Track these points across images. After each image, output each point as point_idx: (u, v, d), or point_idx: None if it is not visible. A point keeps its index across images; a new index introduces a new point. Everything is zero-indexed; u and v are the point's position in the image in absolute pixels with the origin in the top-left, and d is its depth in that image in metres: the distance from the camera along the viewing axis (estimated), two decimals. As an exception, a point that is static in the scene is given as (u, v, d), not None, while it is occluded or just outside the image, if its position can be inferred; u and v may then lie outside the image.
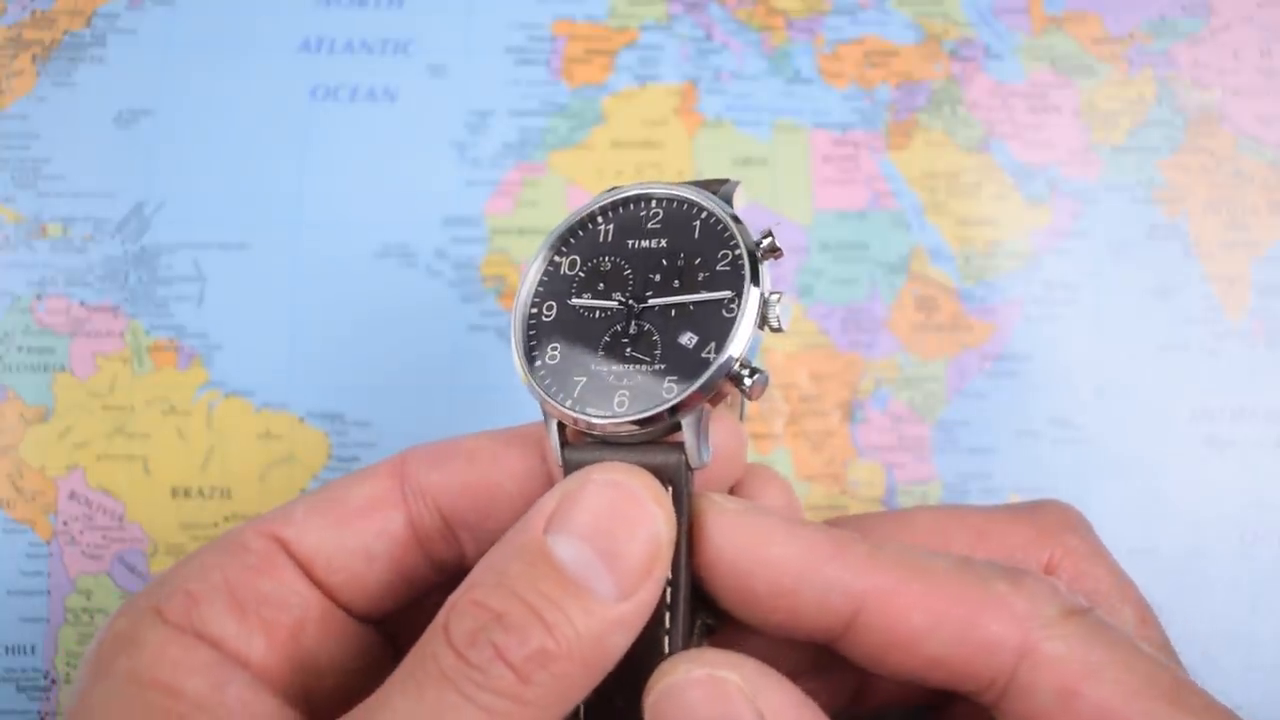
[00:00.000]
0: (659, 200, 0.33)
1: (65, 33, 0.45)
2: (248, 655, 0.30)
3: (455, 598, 0.28)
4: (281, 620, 0.30)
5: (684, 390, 0.30)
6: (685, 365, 0.30)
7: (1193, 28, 0.46)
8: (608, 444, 0.31)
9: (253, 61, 0.45)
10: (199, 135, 0.45)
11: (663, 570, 0.29)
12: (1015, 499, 0.43)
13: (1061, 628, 0.29)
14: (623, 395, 0.31)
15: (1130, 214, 0.45)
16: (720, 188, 0.33)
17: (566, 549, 0.28)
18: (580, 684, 0.27)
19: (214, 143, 0.45)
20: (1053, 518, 0.35)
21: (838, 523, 0.37)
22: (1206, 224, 0.45)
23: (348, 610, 0.32)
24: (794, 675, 0.32)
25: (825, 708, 0.34)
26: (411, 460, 0.33)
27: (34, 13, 0.46)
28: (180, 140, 0.45)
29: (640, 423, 0.30)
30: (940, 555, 0.30)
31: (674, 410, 0.30)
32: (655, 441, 0.30)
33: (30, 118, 0.45)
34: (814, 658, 0.33)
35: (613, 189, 0.34)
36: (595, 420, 0.30)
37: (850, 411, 0.44)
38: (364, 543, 0.32)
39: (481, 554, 0.32)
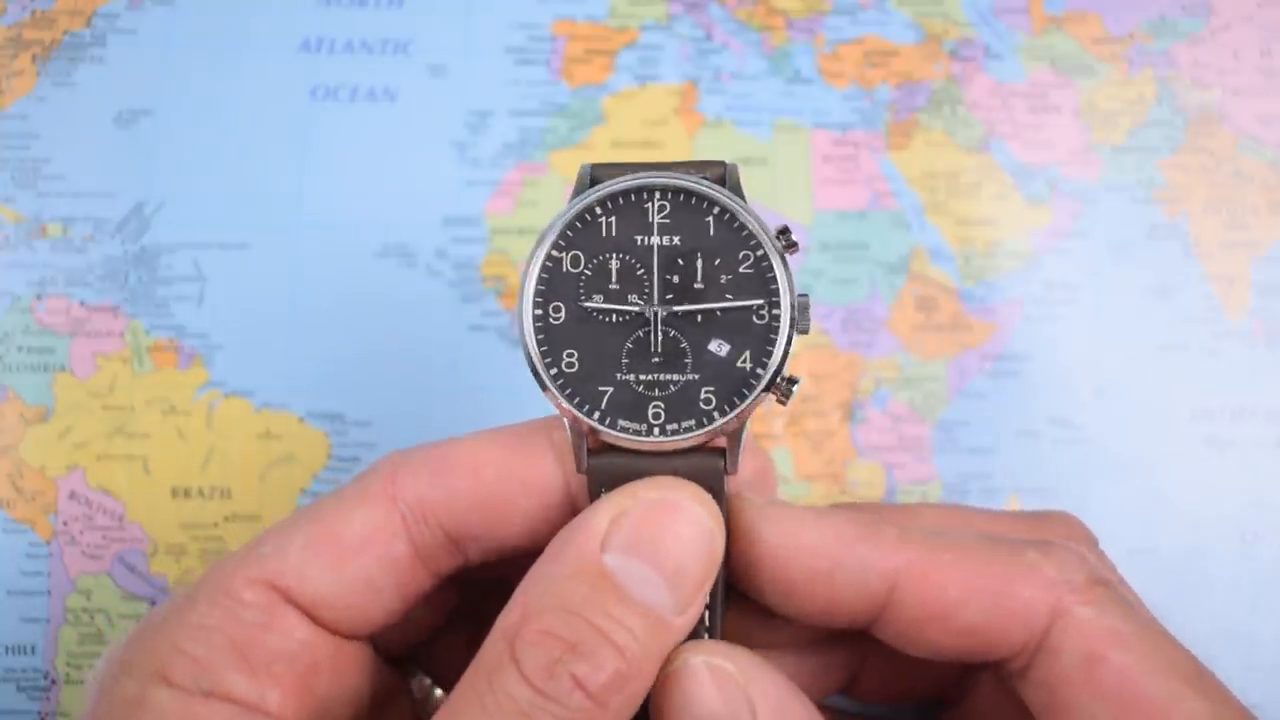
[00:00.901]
0: (664, 192, 0.31)
1: (65, 33, 0.45)
2: (265, 708, 0.29)
3: (514, 626, 0.27)
4: (292, 670, 0.30)
5: (734, 408, 0.30)
6: (721, 376, 0.30)
7: (1193, 28, 0.46)
8: (637, 451, 0.30)
9: (253, 61, 0.45)
10: (199, 135, 0.45)
11: (713, 579, 0.29)
12: (1015, 499, 0.43)
13: (1090, 594, 0.30)
14: (657, 407, 0.30)
15: (1130, 214, 0.45)
16: (722, 173, 0.31)
17: (630, 570, 0.28)
18: (641, 697, 0.28)
19: (214, 143, 0.45)
20: (1056, 529, 0.35)
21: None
22: (1206, 224, 0.45)
23: (348, 637, 0.32)
24: (786, 653, 0.33)
25: (819, 691, 0.34)
26: (405, 477, 0.31)
27: (34, 13, 0.46)
28: (180, 140, 0.45)
29: (698, 438, 0.30)
30: (967, 531, 0.31)
31: (723, 427, 0.30)
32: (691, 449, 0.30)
33: (30, 118, 0.45)
34: (808, 641, 0.34)
35: (594, 167, 0.32)
36: (634, 438, 0.30)
37: (850, 411, 0.44)
38: (367, 576, 0.31)
39: (487, 557, 0.32)
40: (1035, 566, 0.30)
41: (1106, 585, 0.30)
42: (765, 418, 0.44)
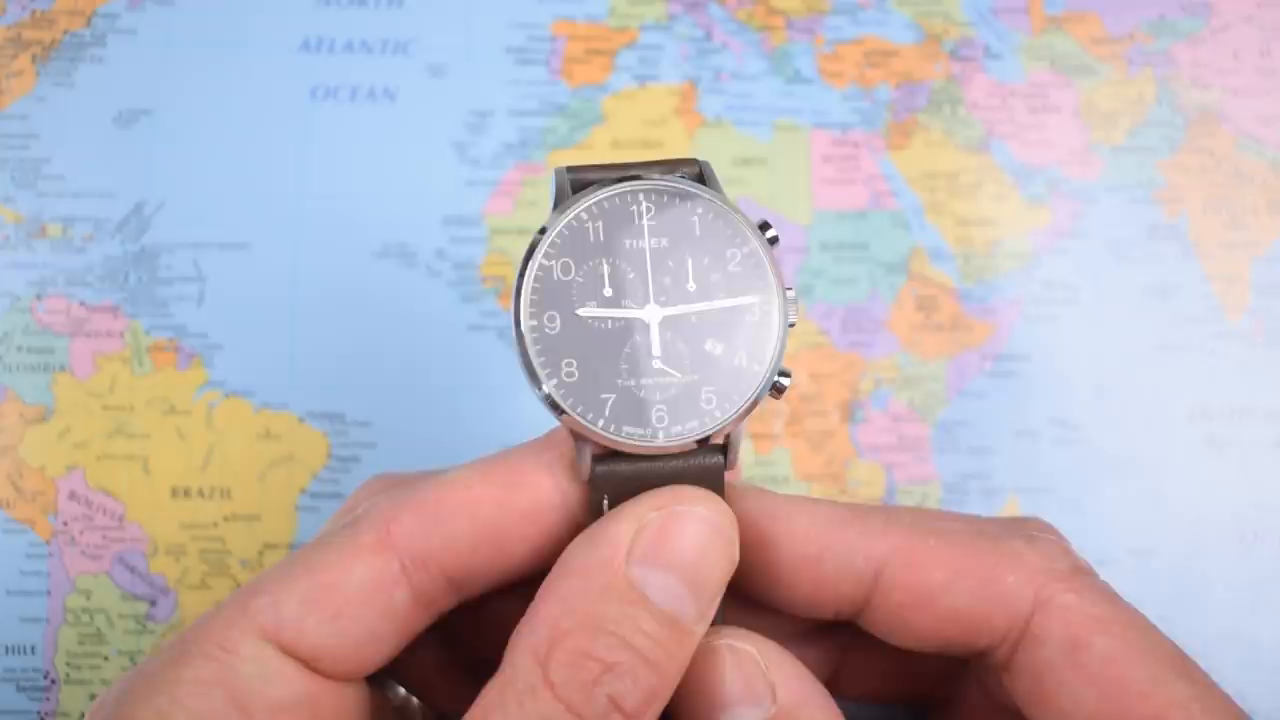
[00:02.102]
0: (648, 194, 0.31)
1: (65, 33, 0.45)
2: None
3: (540, 644, 0.27)
4: (294, 719, 0.30)
5: (736, 407, 0.30)
6: (721, 375, 0.30)
7: (1193, 28, 0.46)
8: (641, 456, 0.30)
9: (253, 61, 0.45)
10: (199, 135, 0.45)
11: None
12: (1015, 499, 0.43)
13: (1073, 581, 0.30)
14: (660, 410, 0.30)
15: (1130, 214, 0.45)
16: (698, 170, 0.31)
17: (655, 582, 0.28)
18: (664, 705, 0.28)
19: (214, 143, 0.45)
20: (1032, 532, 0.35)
21: None
22: (1206, 224, 0.45)
23: (349, 680, 0.31)
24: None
25: None
26: (400, 526, 0.30)
27: (34, 13, 0.46)
28: (180, 140, 0.45)
29: (701, 441, 0.30)
30: (954, 517, 0.32)
31: (727, 426, 0.30)
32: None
33: (30, 118, 0.45)
34: (789, 634, 0.34)
35: (570, 170, 0.31)
36: (641, 444, 0.30)
37: (850, 411, 0.44)
38: (368, 627, 0.30)
39: (487, 590, 0.32)
40: (1019, 554, 0.30)
41: (1088, 573, 0.31)
42: (765, 418, 0.44)
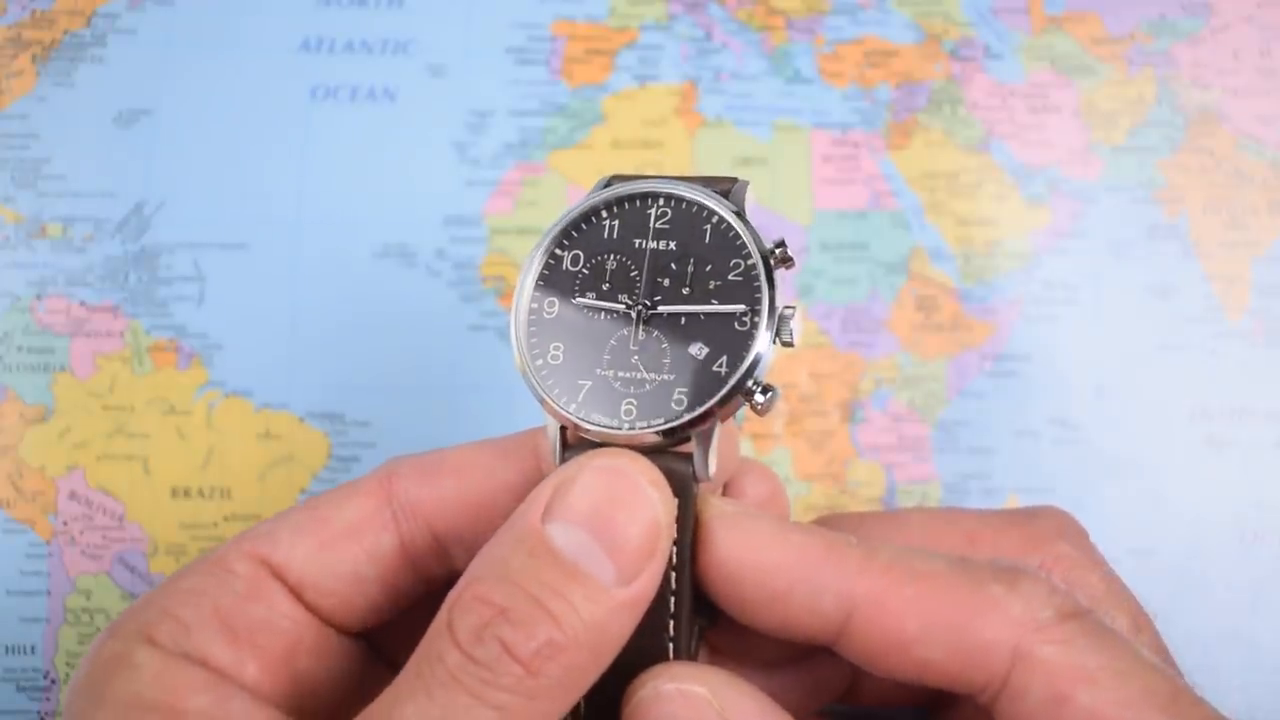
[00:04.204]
0: (667, 199, 0.32)
1: (65, 33, 0.45)
2: (242, 678, 0.29)
3: (456, 593, 0.27)
4: (274, 644, 0.30)
5: (700, 406, 0.30)
6: (696, 378, 0.30)
7: (1193, 28, 0.46)
8: (611, 447, 0.30)
9: (253, 61, 0.45)
10: (199, 135, 0.45)
11: (663, 554, 0.29)
12: (1015, 499, 0.43)
13: (1056, 631, 0.28)
14: (630, 404, 0.30)
15: (1130, 214, 0.45)
16: (730, 187, 0.32)
17: (565, 536, 0.27)
18: (587, 673, 0.27)
19: (214, 143, 0.45)
20: (1045, 524, 0.35)
21: (830, 520, 0.37)
22: (1206, 224, 0.45)
23: (336, 627, 0.32)
24: (782, 666, 0.33)
25: (817, 701, 0.34)
26: (399, 477, 0.32)
27: (34, 13, 0.46)
28: (180, 140, 0.45)
29: (662, 434, 0.30)
30: (936, 556, 0.30)
31: (688, 425, 0.30)
32: (661, 450, 0.30)
33: (30, 118, 0.45)
34: (803, 653, 0.33)
35: (613, 178, 0.33)
36: (604, 430, 0.30)
37: (850, 411, 0.44)
38: (354, 566, 0.32)
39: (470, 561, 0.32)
40: (998, 601, 0.29)
41: (1076, 617, 0.29)
42: (765, 418, 0.44)
